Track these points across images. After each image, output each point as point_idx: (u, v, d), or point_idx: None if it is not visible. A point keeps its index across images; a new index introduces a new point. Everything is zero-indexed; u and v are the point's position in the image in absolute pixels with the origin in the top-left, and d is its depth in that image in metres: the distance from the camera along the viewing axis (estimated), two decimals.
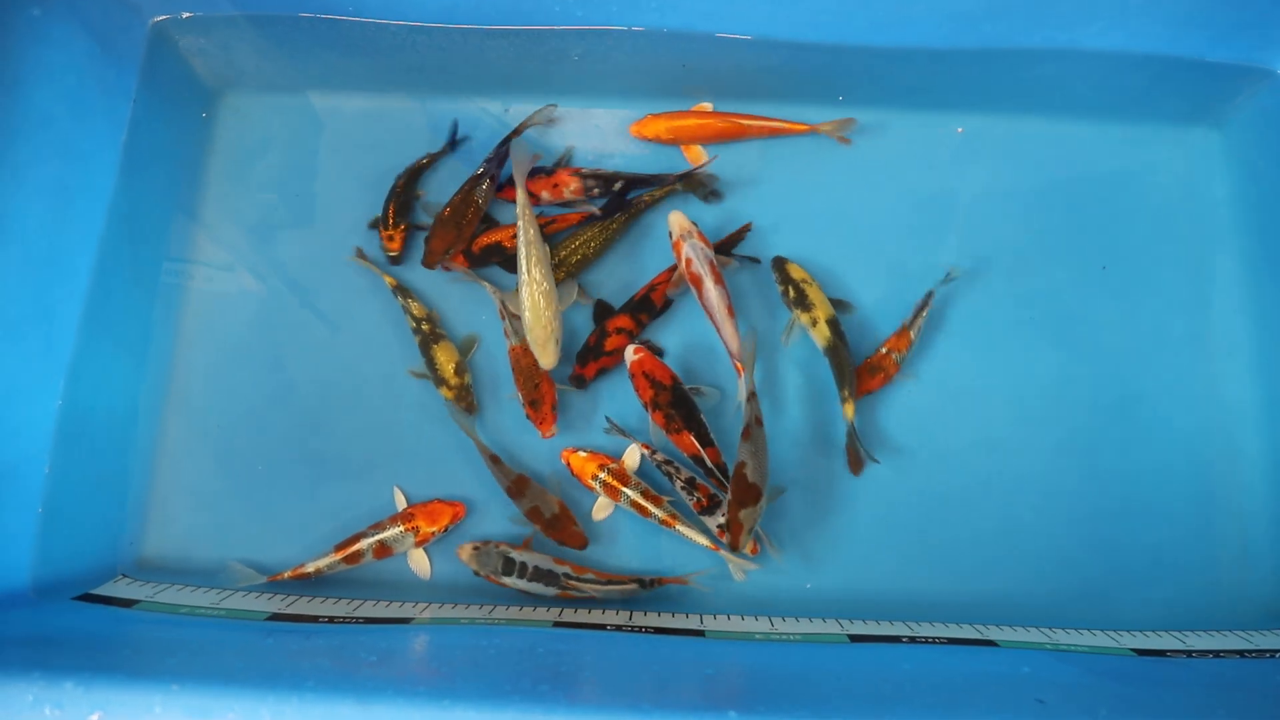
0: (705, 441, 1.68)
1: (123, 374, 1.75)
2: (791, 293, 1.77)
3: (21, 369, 1.56)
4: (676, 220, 1.74)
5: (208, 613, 1.55)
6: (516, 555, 1.65)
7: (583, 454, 1.72)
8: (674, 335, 1.82)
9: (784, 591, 1.70)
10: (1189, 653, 1.54)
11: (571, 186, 1.82)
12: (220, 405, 1.79)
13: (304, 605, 1.61)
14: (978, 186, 1.91)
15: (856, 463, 1.73)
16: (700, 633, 1.53)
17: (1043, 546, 1.74)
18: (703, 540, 1.66)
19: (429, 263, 1.79)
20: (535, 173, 1.82)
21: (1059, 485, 1.77)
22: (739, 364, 1.67)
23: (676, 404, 1.69)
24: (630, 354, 1.72)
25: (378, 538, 1.67)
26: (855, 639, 1.53)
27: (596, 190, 1.83)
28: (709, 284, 1.68)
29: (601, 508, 1.72)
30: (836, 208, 1.89)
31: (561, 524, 1.67)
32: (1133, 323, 1.84)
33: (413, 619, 1.54)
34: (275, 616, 1.55)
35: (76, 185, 1.64)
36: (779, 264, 1.81)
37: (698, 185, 1.86)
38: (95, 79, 1.67)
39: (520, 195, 1.69)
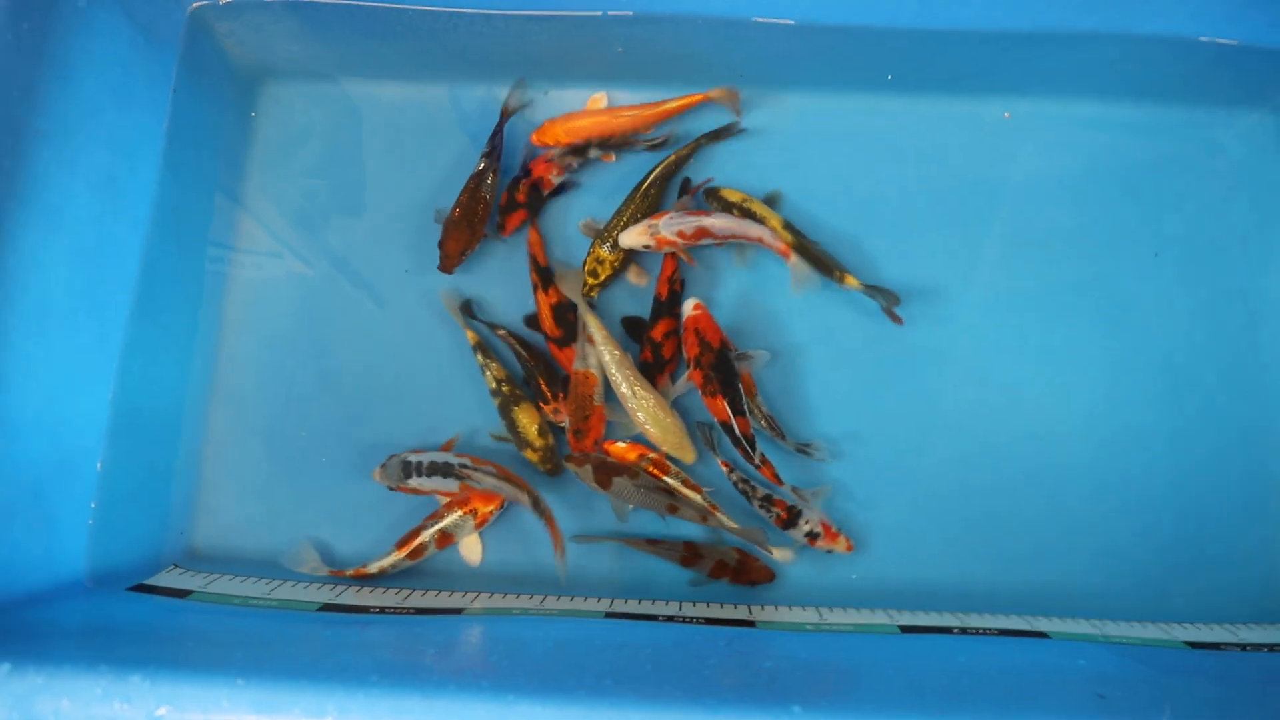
0: (737, 410, 1.66)
1: (170, 364, 1.76)
2: (737, 215, 1.77)
3: (76, 362, 1.56)
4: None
5: (260, 603, 1.56)
6: (412, 457, 1.66)
7: (622, 444, 1.72)
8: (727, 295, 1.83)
9: (831, 582, 1.70)
10: (1243, 646, 1.53)
11: (553, 173, 1.81)
12: (266, 394, 1.79)
13: (354, 596, 1.62)
14: (1025, 172, 1.87)
15: (895, 315, 1.76)
16: (751, 623, 1.53)
17: (1092, 536, 1.73)
18: (733, 526, 1.66)
19: (446, 267, 1.77)
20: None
21: (1109, 475, 1.75)
22: (779, 247, 1.73)
23: (718, 367, 1.67)
24: (689, 308, 1.71)
25: (438, 527, 1.66)
26: (906, 630, 1.53)
27: (576, 164, 1.82)
28: (710, 221, 1.70)
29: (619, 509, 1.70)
30: (880, 193, 1.86)
31: (747, 565, 1.66)
32: (1185, 310, 1.81)
33: (464, 609, 1.55)
34: (327, 607, 1.55)
35: (124, 176, 1.64)
36: (713, 194, 1.80)
37: (725, 136, 1.86)
38: (139, 69, 1.66)
39: (590, 319, 1.68)
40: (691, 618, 1.53)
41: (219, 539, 1.75)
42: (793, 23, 1.78)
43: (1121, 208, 1.86)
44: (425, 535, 1.67)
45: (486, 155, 1.79)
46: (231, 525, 1.75)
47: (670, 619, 1.53)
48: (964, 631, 1.53)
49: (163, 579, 1.63)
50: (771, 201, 1.83)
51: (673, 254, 1.77)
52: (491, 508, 1.67)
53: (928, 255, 1.83)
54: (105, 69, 1.59)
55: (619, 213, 1.80)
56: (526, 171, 1.81)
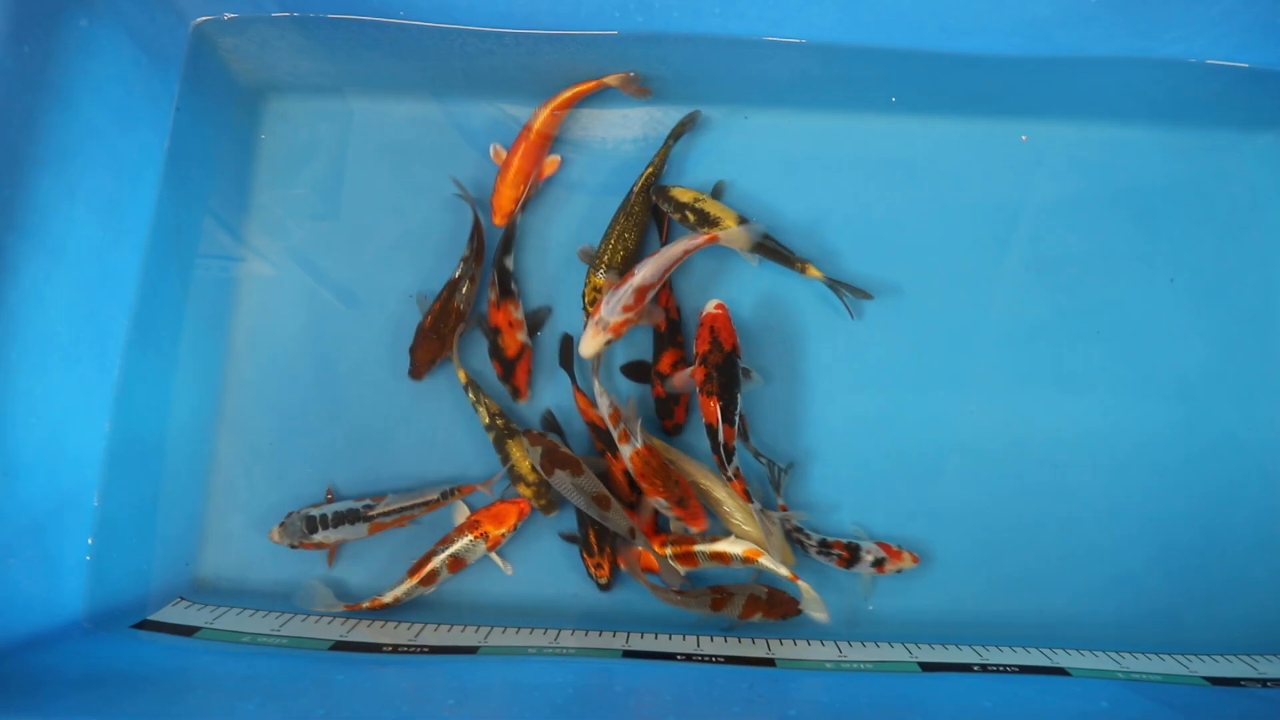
0: (726, 418, 1.63)
1: (172, 392, 1.71)
2: (691, 217, 1.74)
3: (76, 395, 1.52)
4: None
5: (270, 640, 1.52)
6: (315, 511, 1.65)
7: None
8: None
9: (847, 613, 1.68)
10: (1264, 681, 1.52)
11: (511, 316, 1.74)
12: (272, 421, 1.75)
13: (365, 631, 1.58)
14: (1042, 195, 1.86)
15: (850, 307, 1.76)
16: (771, 661, 1.51)
17: (1108, 565, 1.73)
18: (783, 571, 1.62)
19: (415, 374, 1.73)
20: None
21: (1123, 503, 1.75)
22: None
23: (723, 369, 1.63)
24: (710, 306, 1.68)
25: (449, 552, 1.64)
26: (926, 667, 1.51)
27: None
28: (641, 276, 1.64)
29: (673, 567, 1.66)
30: (897, 217, 1.84)
31: (778, 598, 1.63)
32: (1200, 336, 1.80)
33: (479, 647, 1.52)
34: (339, 645, 1.52)
35: (125, 200, 1.59)
36: (663, 194, 1.75)
37: (688, 128, 1.81)
38: (140, 88, 1.61)
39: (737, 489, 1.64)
40: (711, 656, 1.51)
41: (226, 570, 1.71)
42: (806, 42, 1.75)
43: (1137, 232, 1.84)
44: (436, 561, 1.64)
45: (464, 259, 1.74)
46: (239, 555, 1.71)
47: (689, 657, 1.50)
48: (984, 669, 1.51)
49: (168, 613, 1.59)
50: (718, 192, 1.80)
51: (664, 286, 1.74)
52: (503, 530, 1.65)
53: (944, 278, 1.81)
54: (106, 89, 1.54)
55: (607, 235, 1.76)
56: (494, 331, 1.73)
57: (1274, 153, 1.87)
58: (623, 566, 1.65)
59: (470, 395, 1.72)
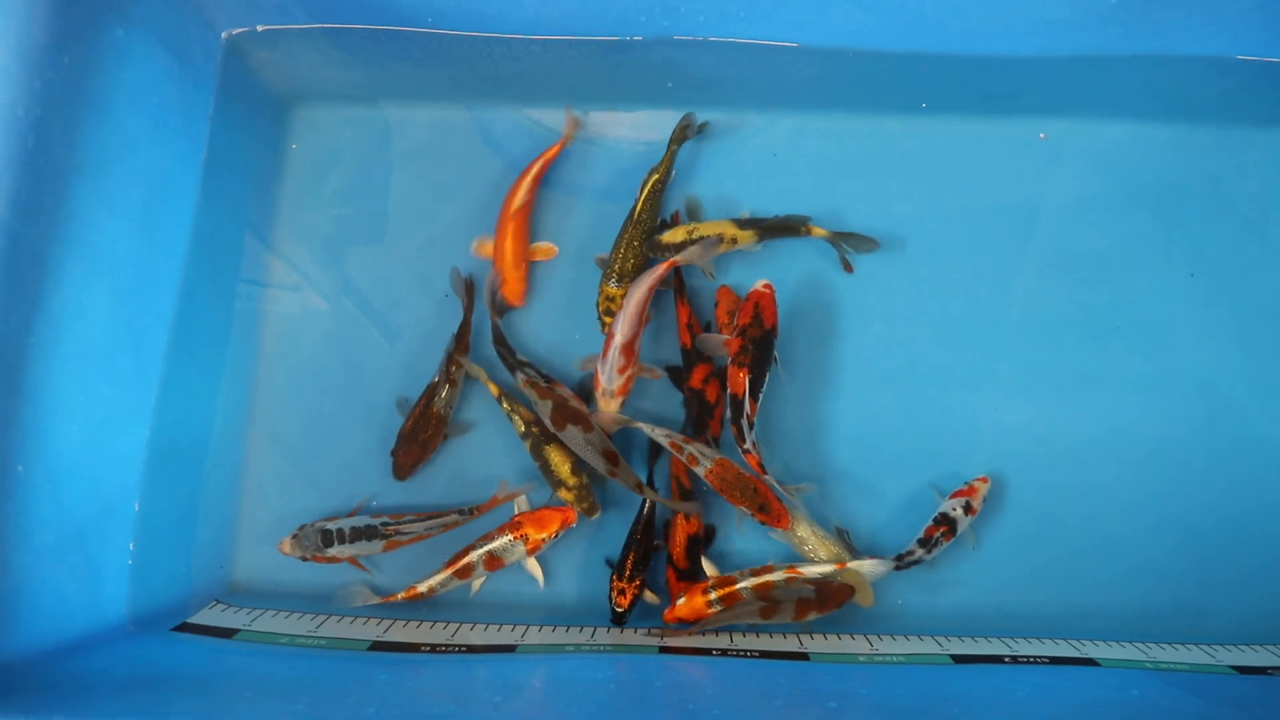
0: (754, 392, 1.64)
1: (207, 398, 1.73)
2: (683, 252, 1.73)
3: (115, 402, 1.54)
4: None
5: (308, 641, 1.54)
6: (330, 525, 1.65)
7: (680, 602, 1.63)
8: None
9: (878, 608, 1.70)
10: None
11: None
12: (304, 426, 1.77)
13: (401, 631, 1.60)
14: (1061, 193, 1.88)
15: (848, 263, 1.79)
16: (805, 655, 1.53)
17: (1132, 558, 1.74)
18: (828, 567, 1.63)
19: (398, 476, 1.73)
20: None
21: (1147, 496, 1.77)
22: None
23: (759, 345, 1.65)
24: (759, 285, 1.70)
25: (488, 548, 1.65)
26: (958, 659, 1.53)
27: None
28: (619, 334, 1.66)
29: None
30: (918, 217, 1.86)
31: (826, 591, 1.62)
32: (1220, 331, 1.82)
33: (516, 646, 1.53)
34: (377, 645, 1.54)
35: (161, 209, 1.61)
36: (655, 246, 1.75)
37: (693, 134, 1.82)
38: (175, 98, 1.63)
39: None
40: (745, 650, 1.53)
41: (261, 572, 1.73)
42: (831, 48, 1.77)
43: (1157, 228, 1.86)
44: (474, 555, 1.65)
45: (446, 363, 1.73)
46: (273, 558, 1.72)
47: (724, 652, 1.52)
48: (1015, 660, 1.53)
49: (206, 616, 1.61)
50: (693, 210, 1.81)
51: (681, 300, 1.76)
52: (544, 535, 1.65)
53: (965, 276, 1.83)
54: (142, 99, 1.55)
55: (617, 244, 1.77)
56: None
57: None
58: (669, 620, 1.64)
59: (505, 405, 1.73)
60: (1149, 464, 1.78)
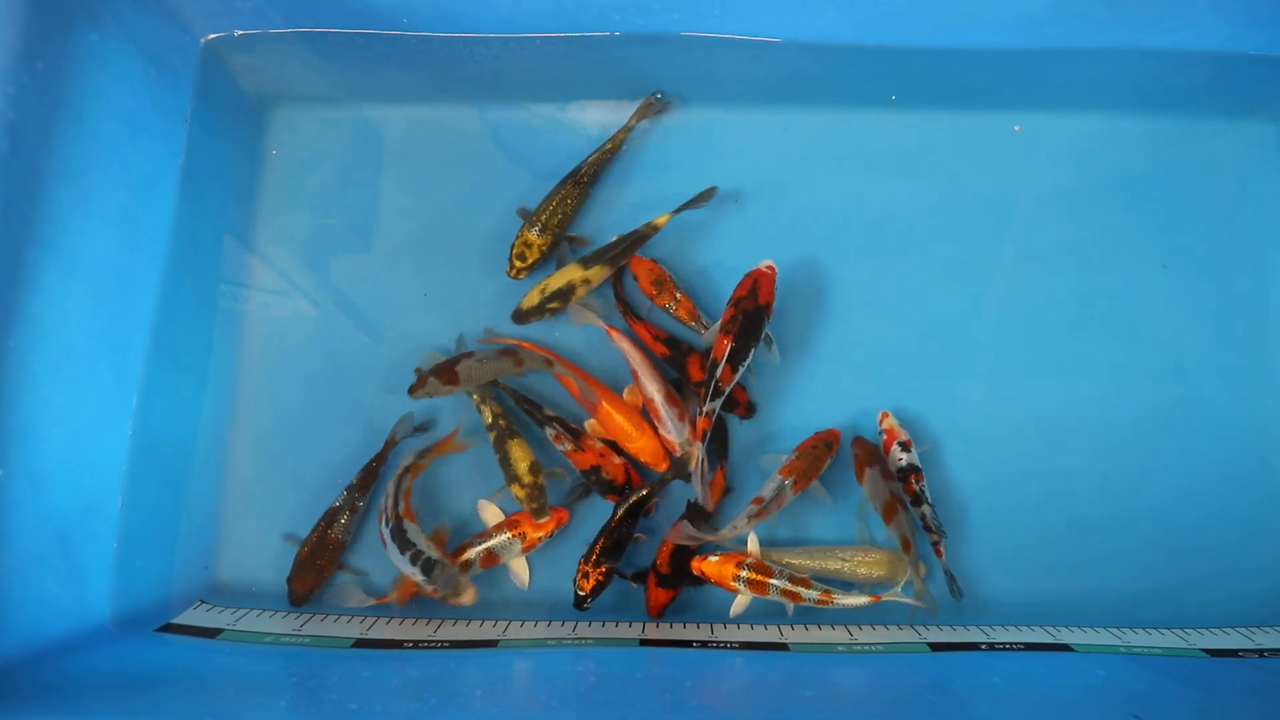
0: (733, 360, 1.62)
1: (189, 400, 1.74)
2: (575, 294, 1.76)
3: (97, 404, 1.55)
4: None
5: (292, 640, 1.55)
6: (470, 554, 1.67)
7: (714, 559, 1.64)
8: None
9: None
10: (1260, 652, 1.57)
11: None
12: (286, 426, 1.78)
13: (384, 629, 1.61)
14: (1036, 185, 1.90)
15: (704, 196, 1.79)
16: (784, 646, 1.54)
17: (1107, 545, 1.77)
18: (862, 599, 1.63)
19: (294, 602, 1.69)
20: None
21: (1122, 484, 1.79)
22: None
23: (749, 317, 1.65)
24: (763, 264, 1.71)
25: (485, 546, 1.67)
26: (935, 647, 1.55)
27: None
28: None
29: (740, 605, 1.67)
30: (894, 210, 1.87)
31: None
32: (1194, 321, 1.85)
33: (499, 641, 1.55)
34: (360, 643, 1.55)
35: (140, 213, 1.62)
36: (517, 315, 1.77)
37: (651, 114, 1.85)
38: (152, 103, 1.63)
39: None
40: (726, 642, 1.55)
41: (244, 572, 1.74)
42: (804, 42, 1.78)
43: (1130, 219, 1.88)
44: (471, 553, 1.67)
45: (350, 489, 1.71)
46: (256, 558, 1.74)
47: (704, 644, 1.54)
48: (991, 647, 1.55)
49: (190, 616, 1.62)
50: (561, 260, 1.80)
51: (635, 322, 1.78)
52: (540, 534, 1.68)
53: (942, 268, 1.85)
54: (119, 104, 1.56)
55: (550, 196, 1.78)
56: (595, 472, 1.72)
57: (1261, 139, 1.91)
58: (696, 568, 1.65)
59: (474, 396, 1.75)
60: (1124, 452, 1.80)
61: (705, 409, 1.62)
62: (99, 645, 1.49)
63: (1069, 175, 1.90)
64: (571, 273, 1.74)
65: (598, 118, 1.88)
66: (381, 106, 1.88)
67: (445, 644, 1.55)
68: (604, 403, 1.71)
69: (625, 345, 1.74)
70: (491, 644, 1.54)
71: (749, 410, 1.77)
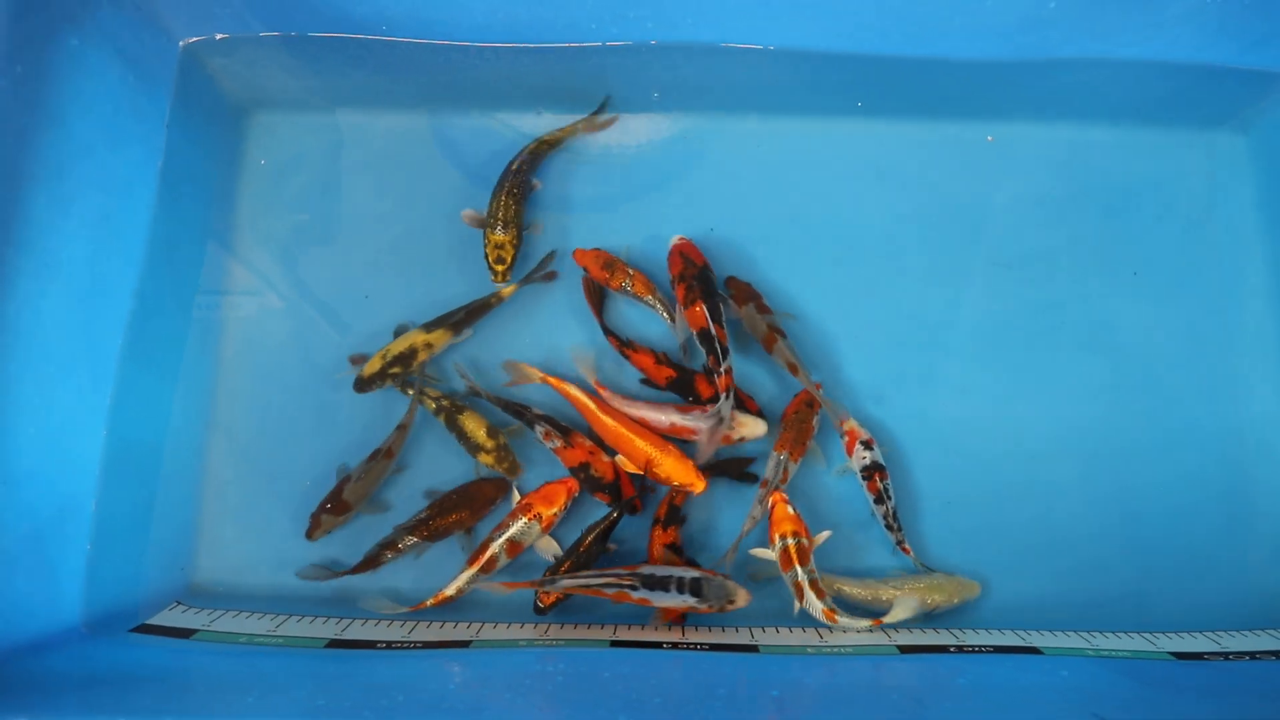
0: (715, 317, 1.70)
1: (165, 401, 1.75)
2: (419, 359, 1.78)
3: (73, 405, 1.56)
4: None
5: (267, 640, 1.56)
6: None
7: (791, 510, 1.67)
8: None
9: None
10: (1226, 655, 1.58)
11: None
12: (264, 429, 1.79)
13: (360, 630, 1.62)
14: (1008, 194, 1.92)
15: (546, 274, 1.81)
16: (754, 648, 1.55)
17: (1078, 550, 1.78)
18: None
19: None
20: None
21: (1092, 490, 1.80)
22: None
23: (700, 279, 1.72)
24: (674, 239, 1.78)
25: (505, 537, 1.67)
26: (905, 649, 1.56)
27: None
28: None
29: (763, 553, 1.69)
30: (868, 218, 1.90)
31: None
32: (1164, 327, 1.87)
33: (471, 642, 1.56)
34: (334, 643, 1.56)
35: (119, 215, 1.63)
36: (359, 384, 1.77)
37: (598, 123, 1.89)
38: (130, 106, 1.66)
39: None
40: (697, 644, 1.55)
41: (222, 574, 1.74)
42: (776, 49, 1.81)
43: (1101, 229, 1.91)
44: (495, 547, 1.67)
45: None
46: (233, 560, 1.75)
47: (675, 645, 1.55)
48: (960, 650, 1.56)
49: (165, 617, 1.63)
50: (400, 331, 1.80)
51: (630, 351, 1.79)
52: (555, 509, 1.68)
53: (915, 276, 1.87)
54: (97, 107, 1.58)
55: (495, 193, 1.80)
56: (583, 468, 1.73)
57: (1230, 149, 1.94)
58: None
59: (411, 392, 1.76)
60: (1096, 457, 1.81)
61: (723, 368, 1.68)
62: (70, 645, 1.49)
63: (1040, 185, 1.92)
64: (413, 338, 1.75)
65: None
66: (361, 112, 1.90)
67: (418, 645, 1.56)
68: (625, 429, 1.70)
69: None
70: (464, 644, 1.55)
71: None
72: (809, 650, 1.56)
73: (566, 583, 1.60)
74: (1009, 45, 1.78)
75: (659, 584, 1.57)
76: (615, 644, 1.56)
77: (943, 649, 1.57)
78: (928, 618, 1.69)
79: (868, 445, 1.74)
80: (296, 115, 1.90)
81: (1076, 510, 1.79)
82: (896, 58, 1.80)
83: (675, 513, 1.74)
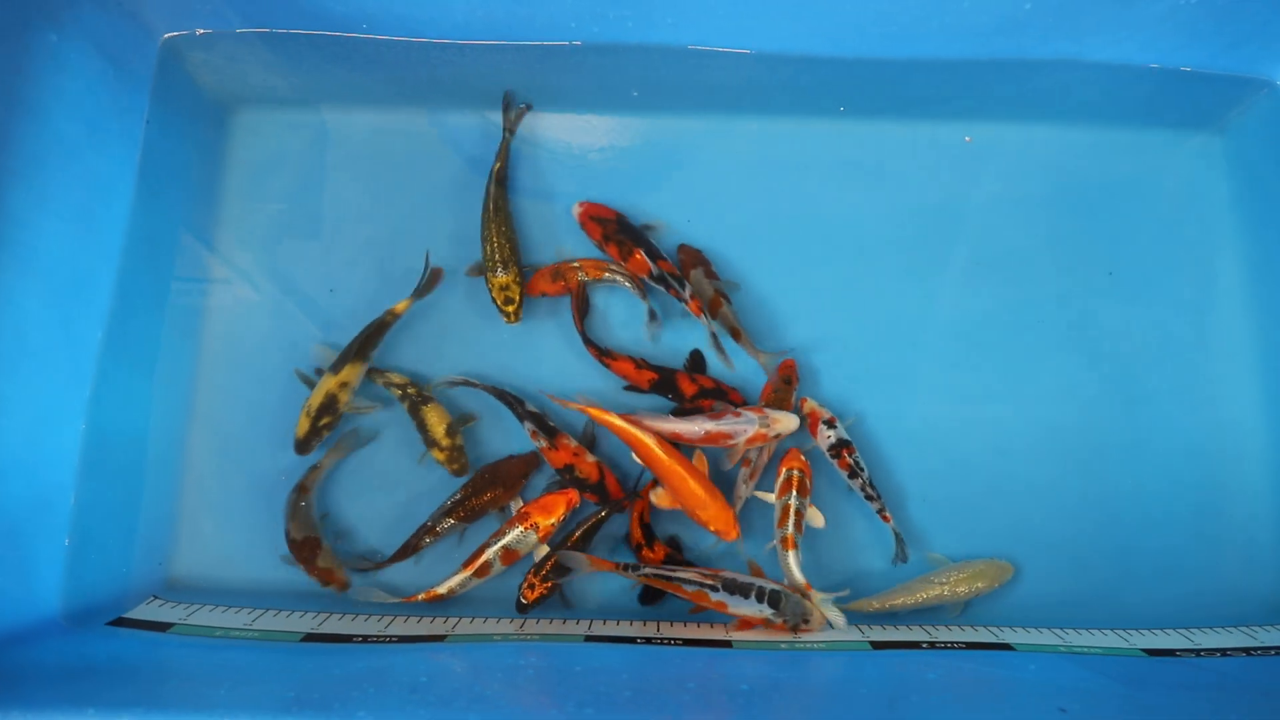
0: (655, 255, 1.76)
1: (144, 396, 1.76)
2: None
3: (51, 399, 1.57)
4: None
5: (243, 634, 1.57)
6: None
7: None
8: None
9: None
10: (1197, 651, 1.59)
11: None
12: (245, 424, 1.80)
13: (337, 624, 1.63)
14: (986, 194, 1.94)
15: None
16: (727, 644, 1.57)
17: (1052, 549, 1.79)
18: (798, 577, 1.66)
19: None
20: None
21: (1067, 489, 1.82)
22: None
23: (624, 230, 1.78)
24: (575, 208, 1.82)
25: (501, 544, 1.68)
26: (877, 645, 1.58)
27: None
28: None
29: (763, 496, 1.73)
30: (847, 218, 1.91)
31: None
32: (1138, 327, 1.88)
33: (446, 636, 1.57)
34: (310, 637, 1.57)
35: (98, 210, 1.64)
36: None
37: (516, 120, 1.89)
38: (110, 101, 1.66)
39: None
40: (670, 639, 1.57)
41: (199, 569, 1.75)
42: (756, 52, 1.82)
43: (1077, 227, 1.92)
44: (489, 553, 1.68)
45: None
46: (212, 555, 1.76)
47: (649, 640, 1.56)
48: (932, 646, 1.58)
49: (142, 611, 1.63)
50: (327, 357, 1.79)
51: (610, 360, 1.79)
52: (552, 520, 1.69)
53: (894, 275, 1.89)
54: (77, 103, 1.59)
55: (486, 238, 1.79)
56: (568, 471, 1.73)
57: (1205, 151, 1.96)
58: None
59: (378, 381, 1.78)
60: (1070, 455, 1.83)
61: (687, 295, 1.75)
62: (47, 638, 1.50)
63: (1018, 185, 1.94)
64: (326, 384, 1.73)
65: (554, 125, 1.91)
66: (341, 109, 1.91)
67: (394, 639, 1.57)
68: (678, 466, 1.65)
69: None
70: (439, 639, 1.56)
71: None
72: (782, 646, 1.57)
73: (650, 572, 1.62)
74: (986, 46, 1.79)
75: (739, 589, 1.59)
76: (590, 639, 1.57)
77: (915, 645, 1.58)
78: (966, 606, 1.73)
79: (830, 424, 1.76)
80: (277, 112, 1.90)
81: (1050, 509, 1.81)
82: (875, 59, 1.81)
83: (649, 530, 1.74)
